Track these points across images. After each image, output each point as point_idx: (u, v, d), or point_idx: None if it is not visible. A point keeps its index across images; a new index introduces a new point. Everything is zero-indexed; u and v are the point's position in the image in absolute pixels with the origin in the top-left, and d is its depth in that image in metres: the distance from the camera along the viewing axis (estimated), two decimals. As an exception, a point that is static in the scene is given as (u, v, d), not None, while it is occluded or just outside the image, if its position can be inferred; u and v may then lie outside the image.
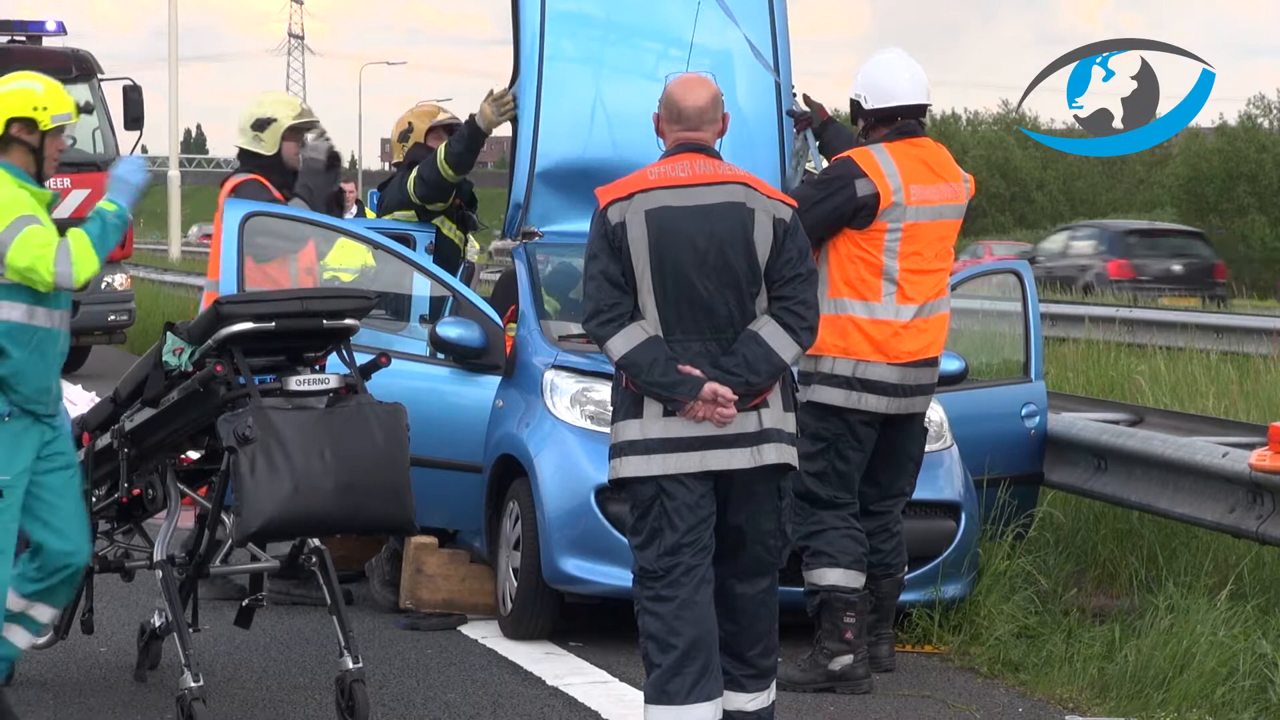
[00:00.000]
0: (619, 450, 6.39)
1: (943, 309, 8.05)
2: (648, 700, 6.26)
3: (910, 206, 7.87)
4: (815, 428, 7.83)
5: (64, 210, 19.84)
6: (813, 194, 7.82)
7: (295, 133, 9.78)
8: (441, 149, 9.62)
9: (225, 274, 9.19)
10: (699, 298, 6.26)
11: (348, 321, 6.91)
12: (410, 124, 10.74)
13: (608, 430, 8.30)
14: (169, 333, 6.87)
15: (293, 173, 9.80)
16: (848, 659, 7.75)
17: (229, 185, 9.53)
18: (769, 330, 6.30)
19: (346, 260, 10.93)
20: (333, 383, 6.82)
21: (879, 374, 7.84)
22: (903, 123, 7.98)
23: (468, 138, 9.48)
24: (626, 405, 6.38)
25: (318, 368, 6.95)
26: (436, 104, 11.20)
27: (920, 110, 8.05)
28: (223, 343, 6.69)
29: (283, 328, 6.74)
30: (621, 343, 6.25)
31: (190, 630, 6.99)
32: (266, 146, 9.54)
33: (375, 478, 6.71)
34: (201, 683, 6.74)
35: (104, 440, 7.11)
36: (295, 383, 6.78)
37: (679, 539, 6.23)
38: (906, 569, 8.14)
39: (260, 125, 9.53)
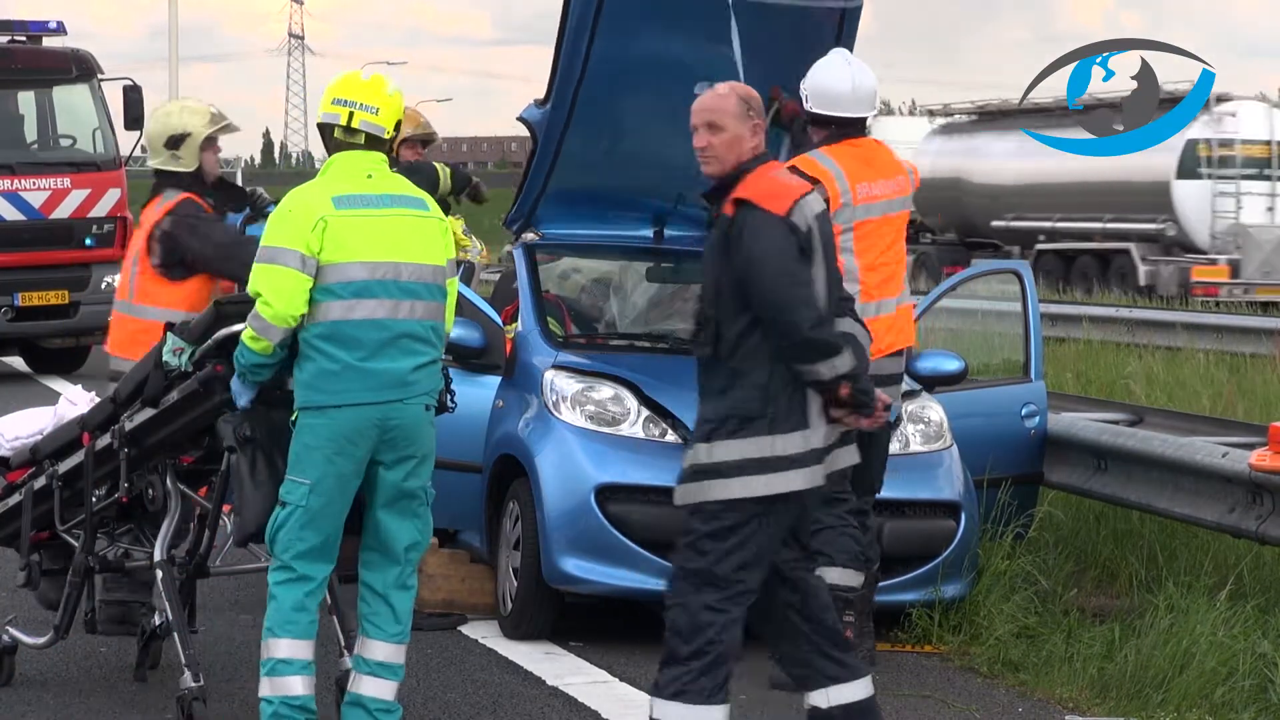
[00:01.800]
0: (772, 466, 5.96)
1: (906, 300, 8.17)
2: (663, 694, 6.08)
3: (859, 205, 8.00)
4: None
5: (64, 210, 19.91)
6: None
7: (210, 142, 9.23)
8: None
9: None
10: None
11: None
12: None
13: (608, 430, 8.37)
14: (169, 333, 6.86)
15: (213, 185, 9.13)
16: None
17: (161, 210, 8.07)
18: (855, 328, 6.35)
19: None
20: None
21: None
22: (842, 129, 8.11)
23: None
24: (794, 416, 6.00)
25: None
26: (416, 111, 11.13)
27: (859, 123, 8.14)
28: (222, 343, 6.68)
29: None
30: (849, 353, 6.02)
31: (189, 631, 7.00)
32: (185, 164, 8.18)
33: None
34: (201, 682, 6.75)
35: (104, 440, 7.11)
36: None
37: (758, 559, 6.04)
38: (879, 565, 8.13)
39: (174, 143, 8.21)
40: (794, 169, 7.98)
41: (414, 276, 6.47)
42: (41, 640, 7.48)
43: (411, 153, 10.72)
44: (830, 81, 8.12)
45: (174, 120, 8.13)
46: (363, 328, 6.38)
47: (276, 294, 6.36)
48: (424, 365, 6.48)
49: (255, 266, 6.43)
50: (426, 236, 6.55)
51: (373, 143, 6.60)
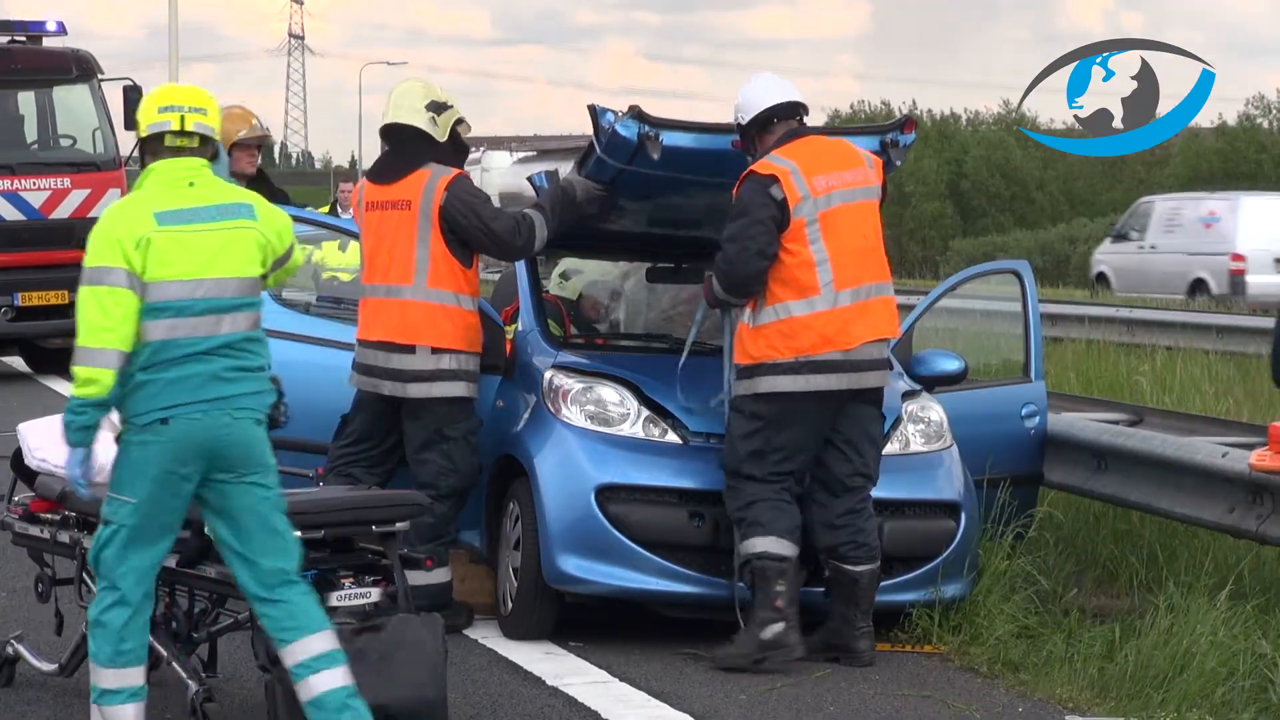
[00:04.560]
0: None
1: (885, 292, 8.23)
2: None
3: (819, 197, 8.09)
4: (754, 408, 8.06)
5: (64, 210, 19.91)
6: (746, 220, 8.06)
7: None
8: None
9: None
10: None
11: (398, 525, 6.87)
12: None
13: (608, 430, 8.38)
14: None
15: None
16: (779, 627, 7.85)
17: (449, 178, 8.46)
18: None
19: (346, 261, 10.94)
20: (374, 596, 6.71)
21: (829, 356, 8.04)
22: (782, 124, 8.22)
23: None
24: None
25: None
26: (247, 110, 10.84)
27: (794, 109, 8.27)
28: None
29: (332, 536, 6.74)
30: None
31: (209, 675, 7.02)
32: (439, 133, 8.52)
33: (412, 700, 6.60)
34: (205, 684, 6.76)
35: None
36: (336, 598, 6.65)
37: None
38: (879, 561, 8.16)
39: (438, 108, 8.56)
40: (751, 174, 8.08)
41: (237, 292, 6.38)
42: (46, 667, 7.45)
43: (247, 157, 10.54)
44: (753, 88, 8.28)
45: (437, 91, 8.53)
46: (184, 345, 6.28)
47: (107, 315, 6.21)
48: (247, 375, 6.36)
49: (80, 290, 6.28)
50: (247, 249, 6.44)
51: (205, 145, 6.53)
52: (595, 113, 8.48)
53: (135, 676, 6.34)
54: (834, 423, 8.11)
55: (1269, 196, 32.91)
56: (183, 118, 6.46)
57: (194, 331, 6.28)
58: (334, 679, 6.32)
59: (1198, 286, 29.81)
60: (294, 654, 6.32)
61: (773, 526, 7.93)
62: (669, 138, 8.38)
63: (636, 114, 8.38)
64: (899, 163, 8.76)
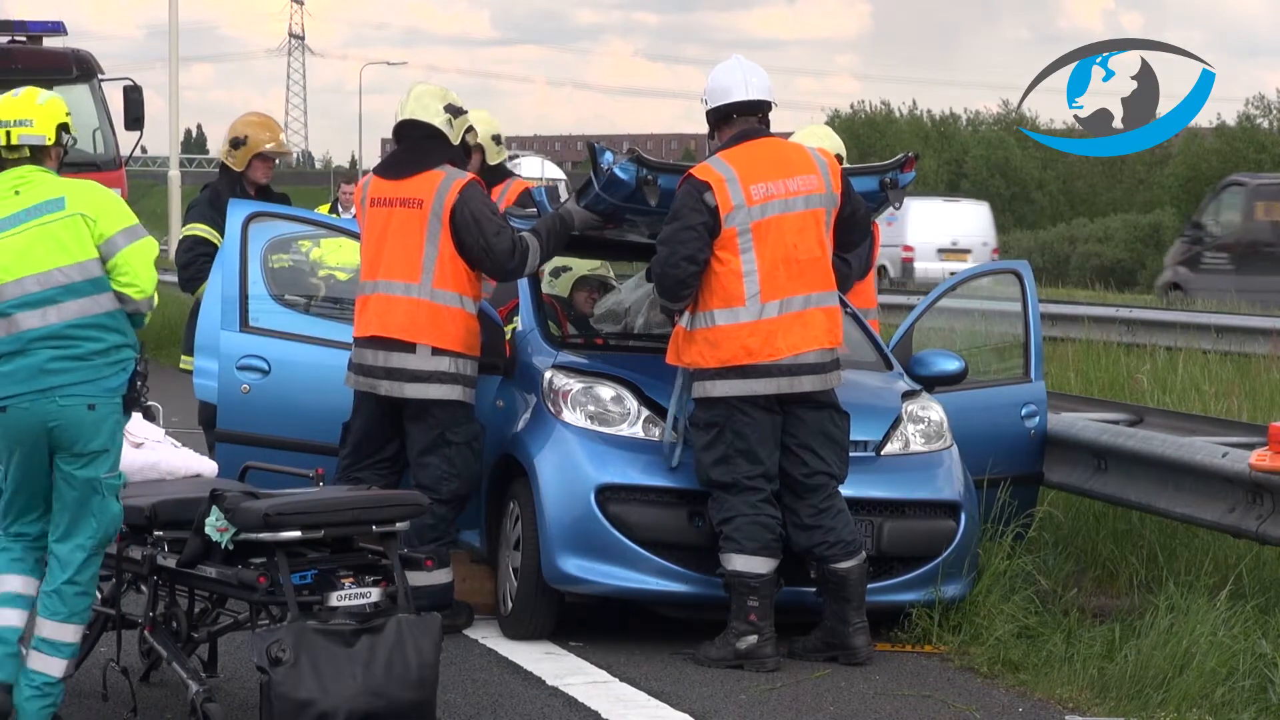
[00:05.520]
0: None
1: (826, 303, 8.18)
2: None
3: (754, 206, 8.08)
4: (705, 417, 8.10)
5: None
6: (677, 225, 8.09)
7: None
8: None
9: (227, 274, 9.19)
10: None
11: (398, 525, 6.89)
12: (246, 135, 10.57)
13: (608, 430, 8.38)
14: (215, 505, 6.70)
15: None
16: (752, 639, 7.94)
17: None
18: None
19: (344, 259, 10.92)
20: (374, 596, 6.71)
21: (755, 363, 8.05)
22: (741, 121, 8.23)
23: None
24: None
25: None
26: (273, 121, 10.89)
27: (757, 107, 8.26)
28: (268, 545, 6.62)
29: (332, 536, 6.74)
30: None
31: (210, 675, 7.03)
32: (454, 138, 8.63)
33: (402, 702, 6.62)
34: (206, 685, 6.75)
35: (134, 553, 7.04)
36: (336, 598, 6.65)
37: None
38: (865, 552, 8.15)
39: (457, 112, 8.63)
40: (689, 177, 8.08)
41: (45, 284, 6.60)
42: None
43: (264, 167, 10.55)
44: (722, 76, 8.29)
45: (453, 97, 8.59)
46: (4, 343, 6.56)
47: None
48: (78, 364, 6.58)
49: None
50: (56, 240, 6.65)
51: (38, 154, 6.78)
52: (594, 151, 8.50)
53: (21, 585, 6.69)
54: (786, 426, 8.13)
55: (931, 200, 40.22)
56: (8, 133, 6.73)
57: (10, 329, 6.58)
58: (49, 665, 6.71)
59: (880, 273, 34.83)
60: (37, 626, 6.67)
61: (747, 544, 7.97)
62: (666, 181, 8.40)
63: (635, 158, 8.40)
64: (898, 205, 8.78)
